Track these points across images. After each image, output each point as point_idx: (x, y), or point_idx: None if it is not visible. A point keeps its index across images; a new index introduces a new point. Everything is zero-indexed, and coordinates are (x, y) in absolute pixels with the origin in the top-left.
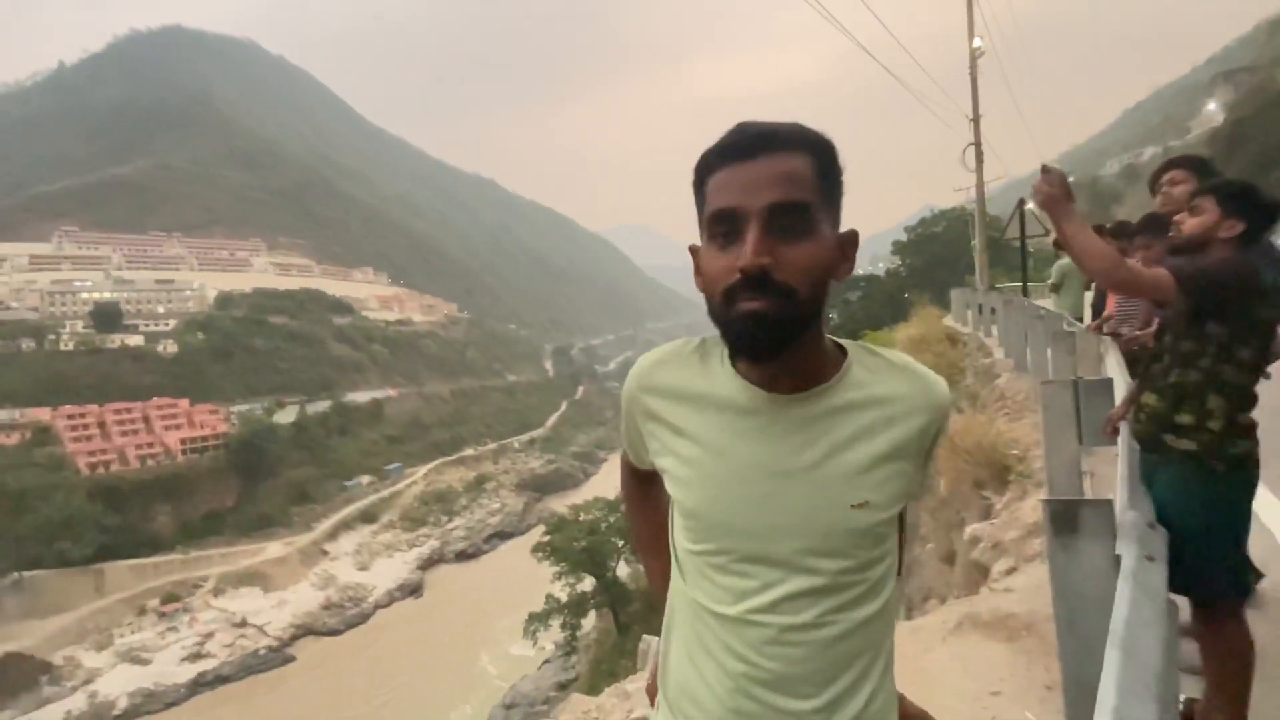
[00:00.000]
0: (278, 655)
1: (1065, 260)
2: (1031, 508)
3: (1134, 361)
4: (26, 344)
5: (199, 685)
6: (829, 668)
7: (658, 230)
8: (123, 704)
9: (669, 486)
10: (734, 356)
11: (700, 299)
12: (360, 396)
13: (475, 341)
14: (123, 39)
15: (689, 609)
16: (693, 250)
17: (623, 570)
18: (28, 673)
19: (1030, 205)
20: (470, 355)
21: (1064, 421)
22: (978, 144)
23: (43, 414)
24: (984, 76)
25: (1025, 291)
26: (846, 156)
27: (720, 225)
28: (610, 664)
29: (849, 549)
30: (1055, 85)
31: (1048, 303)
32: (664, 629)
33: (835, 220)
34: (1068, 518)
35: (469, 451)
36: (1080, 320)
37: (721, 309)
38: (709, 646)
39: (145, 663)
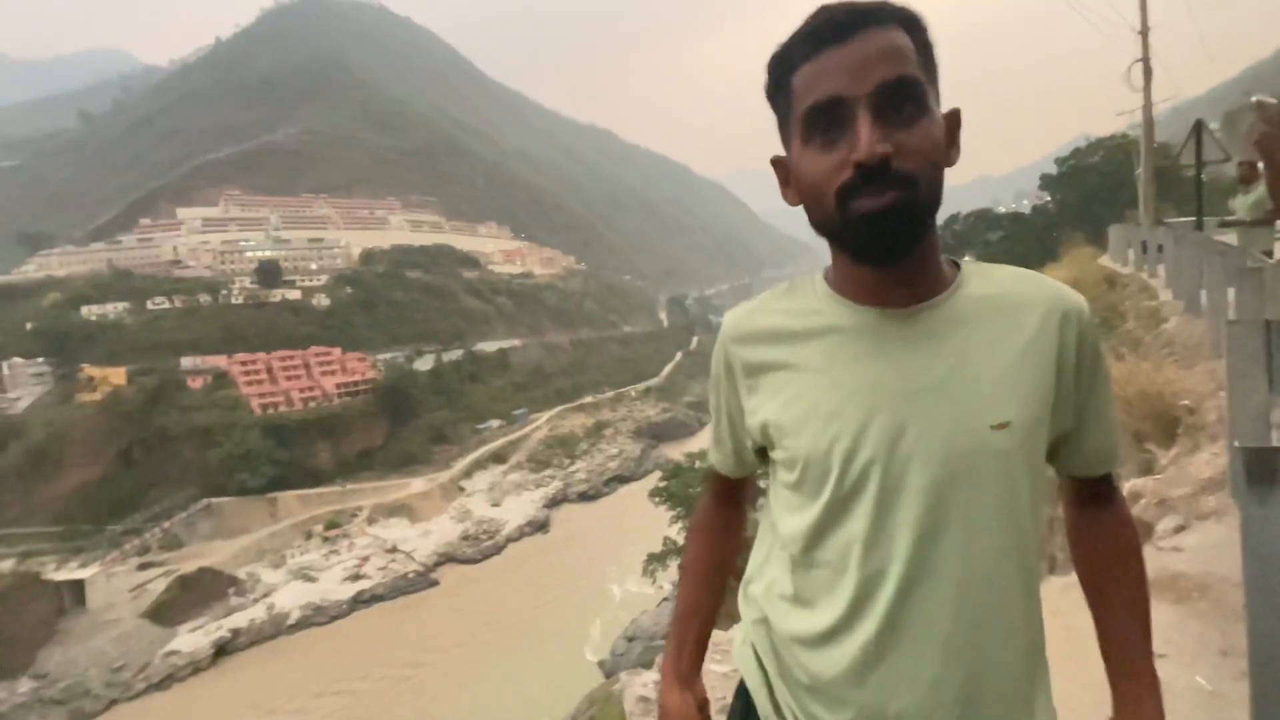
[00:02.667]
0: (423, 579)
1: (1257, 194)
2: (1205, 462)
3: None
4: (204, 298)
5: (358, 602)
6: (973, 621)
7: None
8: (295, 615)
9: (782, 440)
10: (860, 261)
11: (820, 242)
12: (489, 346)
13: (592, 293)
14: (269, 12)
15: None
16: (776, 162)
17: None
18: (219, 585)
19: (1216, 130)
20: (588, 306)
21: (1251, 366)
22: (1146, 60)
23: (220, 361)
24: None
25: (1200, 226)
26: (987, 83)
27: (821, 119)
28: (728, 606)
29: (994, 478)
30: None
31: (1229, 237)
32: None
33: (938, 99)
34: (1265, 467)
35: (588, 399)
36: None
37: (837, 213)
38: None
39: (313, 580)
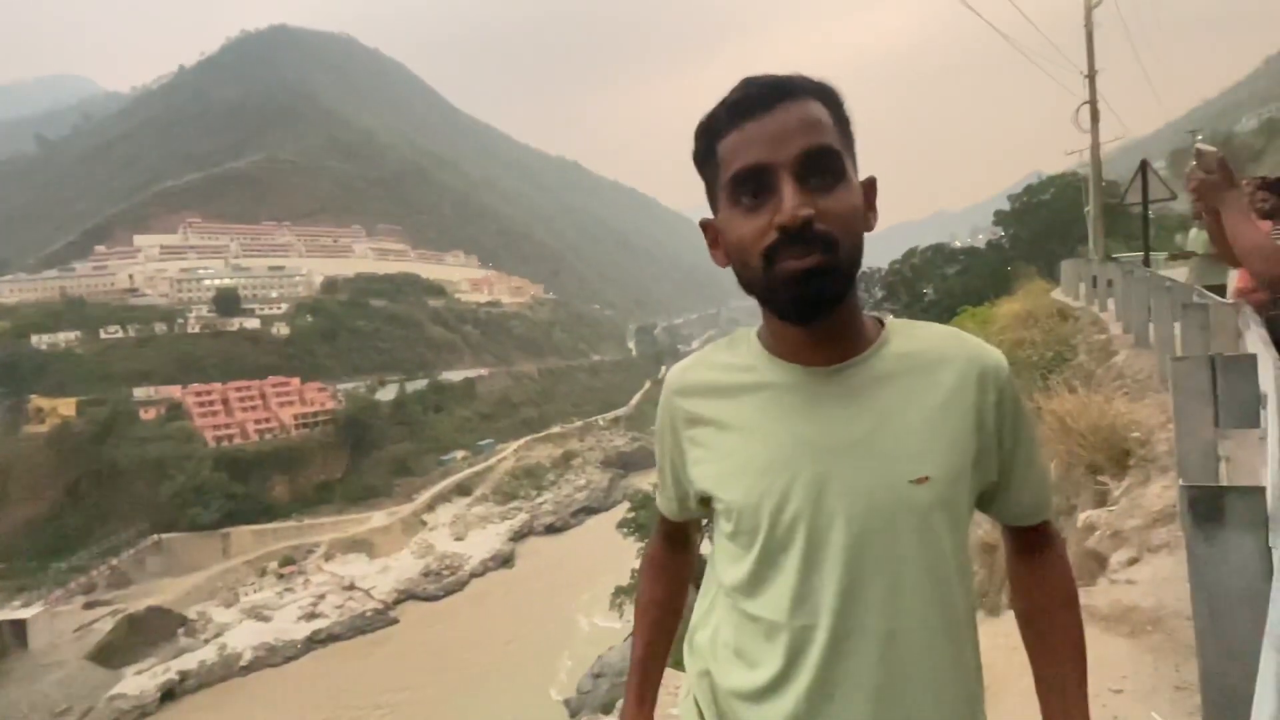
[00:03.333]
0: (383, 617)
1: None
2: (1156, 494)
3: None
4: (159, 327)
5: (313, 642)
6: (902, 675)
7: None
8: (248, 656)
9: (717, 493)
10: (785, 319)
11: None
12: (454, 375)
13: (561, 322)
14: (234, 41)
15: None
16: (705, 225)
17: (705, 548)
18: (168, 625)
19: (1167, 169)
20: (556, 336)
21: (1198, 402)
22: (1093, 102)
23: (174, 391)
24: (1100, 28)
25: (1147, 261)
26: (943, 124)
27: (746, 185)
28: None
29: (915, 532)
30: (1182, 34)
31: (1178, 272)
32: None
33: (855, 169)
34: (1210, 506)
35: (556, 429)
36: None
37: (762, 273)
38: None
39: (267, 619)
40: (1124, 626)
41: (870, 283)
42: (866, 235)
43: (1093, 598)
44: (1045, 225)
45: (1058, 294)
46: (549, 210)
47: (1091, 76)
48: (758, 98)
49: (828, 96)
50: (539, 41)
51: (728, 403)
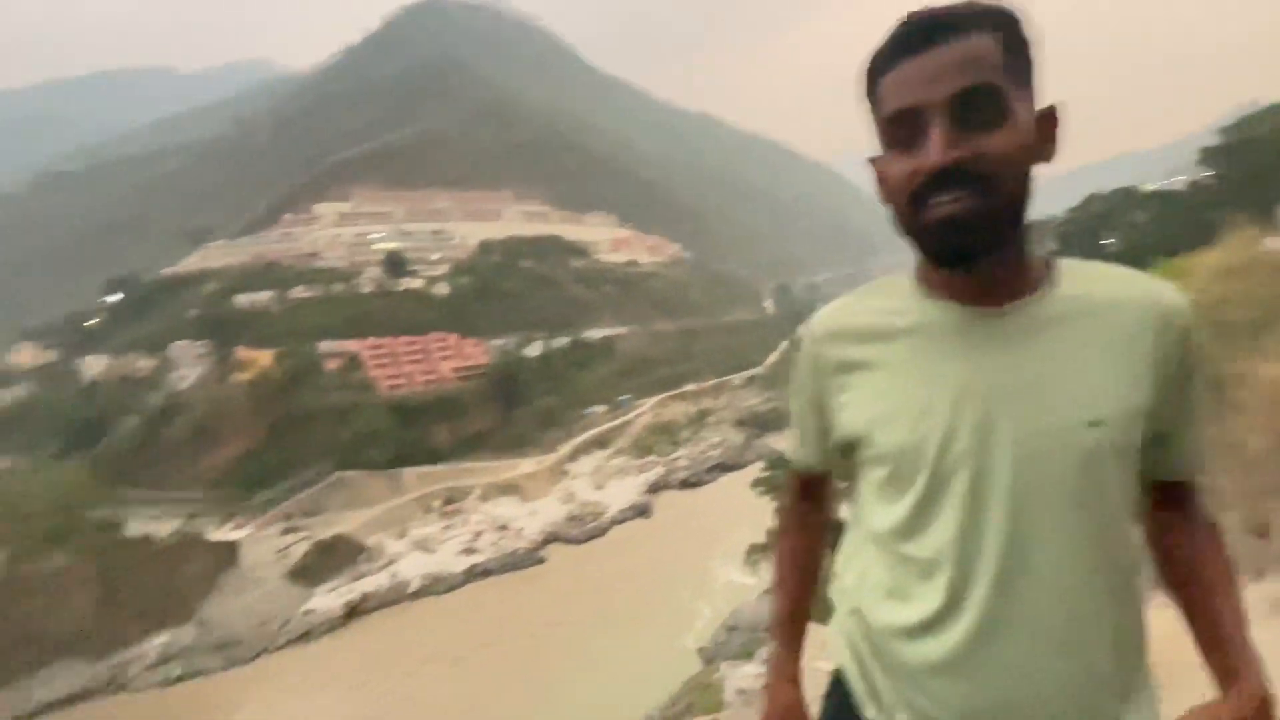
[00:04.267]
0: (531, 556)
1: None
2: None
3: None
4: (338, 287)
5: (471, 575)
6: (1068, 617)
7: None
8: (415, 583)
9: (872, 437)
10: (937, 264)
11: None
12: (595, 334)
13: (697, 281)
14: (392, 17)
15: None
16: (872, 161)
17: (843, 512)
18: (350, 552)
19: None
20: (693, 295)
21: None
22: None
23: (352, 345)
24: None
25: None
26: (1139, 48)
27: (900, 127)
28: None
29: (1085, 476)
30: None
31: None
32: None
33: (1030, 99)
34: None
35: (690, 387)
36: None
37: (911, 216)
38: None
39: (431, 552)
40: None
41: (1042, 233)
42: (1044, 178)
43: None
44: (1261, 164)
45: (1273, 244)
46: (687, 168)
47: None
48: (916, 35)
49: (1002, 22)
50: None
51: (881, 346)
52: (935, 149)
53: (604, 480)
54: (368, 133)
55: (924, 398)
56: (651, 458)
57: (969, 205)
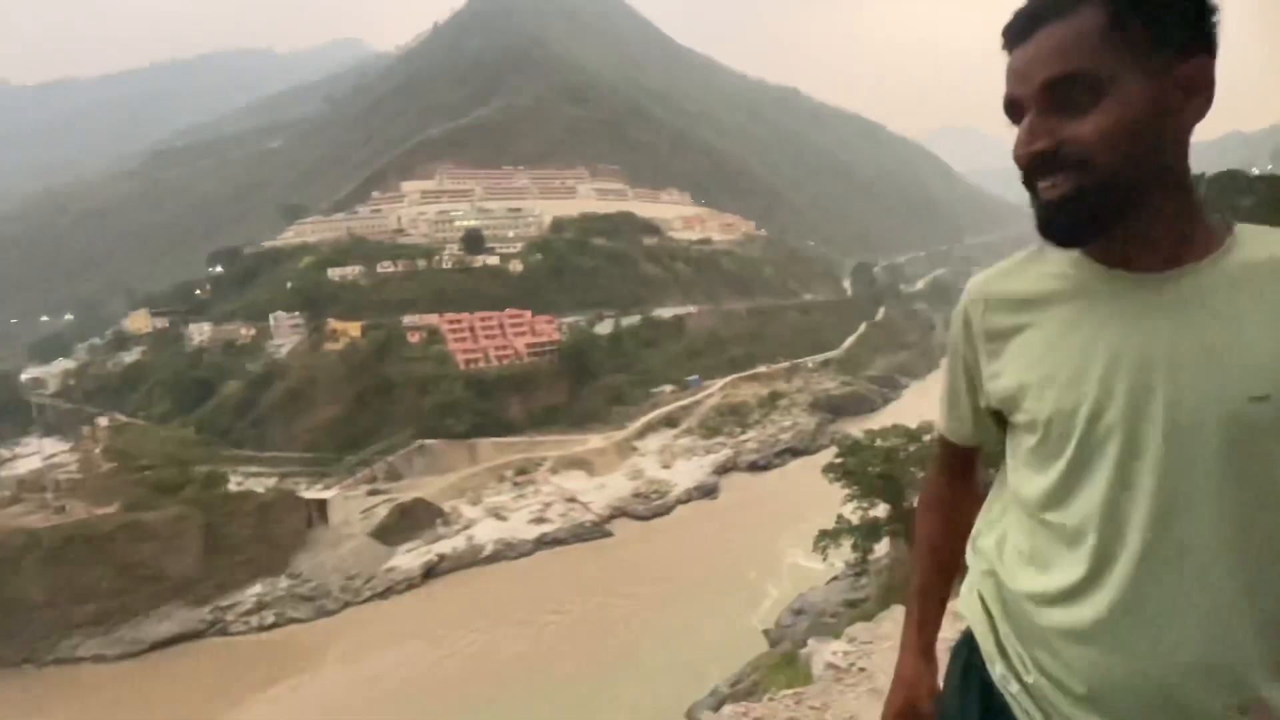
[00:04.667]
0: (598, 529)
1: None
2: None
3: None
4: (421, 263)
5: (541, 543)
6: (1216, 597)
7: (983, 131)
8: (489, 548)
9: (1023, 404)
10: (1052, 243)
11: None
12: (665, 312)
13: (772, 259)
14: None
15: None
16: None
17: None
18: (429, 515)
19: None
20: (767, 273)
21: None
22: None
23: (432, 319)
24: None
25: None
26: (1243, 15)
27: (1013, 115)
28: (903, 591)
29: (1247, 453)
30: None
31: None
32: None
33: (1157, 60)
34: None
35: (762, 369)
36: None
37: (1031, 196)
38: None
39: (504, 519)
40: None
41: None
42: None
43: None
44: None
45: None
46: (766, 142)
47: None
48: (1016, 26)
49: None
50: None
51: (1037, 312)
52: (1019, 142)
53: (671, 459)
54: (452, 111)
55: (1078, 364)
56: (719, 439)
57: (1064, 190)
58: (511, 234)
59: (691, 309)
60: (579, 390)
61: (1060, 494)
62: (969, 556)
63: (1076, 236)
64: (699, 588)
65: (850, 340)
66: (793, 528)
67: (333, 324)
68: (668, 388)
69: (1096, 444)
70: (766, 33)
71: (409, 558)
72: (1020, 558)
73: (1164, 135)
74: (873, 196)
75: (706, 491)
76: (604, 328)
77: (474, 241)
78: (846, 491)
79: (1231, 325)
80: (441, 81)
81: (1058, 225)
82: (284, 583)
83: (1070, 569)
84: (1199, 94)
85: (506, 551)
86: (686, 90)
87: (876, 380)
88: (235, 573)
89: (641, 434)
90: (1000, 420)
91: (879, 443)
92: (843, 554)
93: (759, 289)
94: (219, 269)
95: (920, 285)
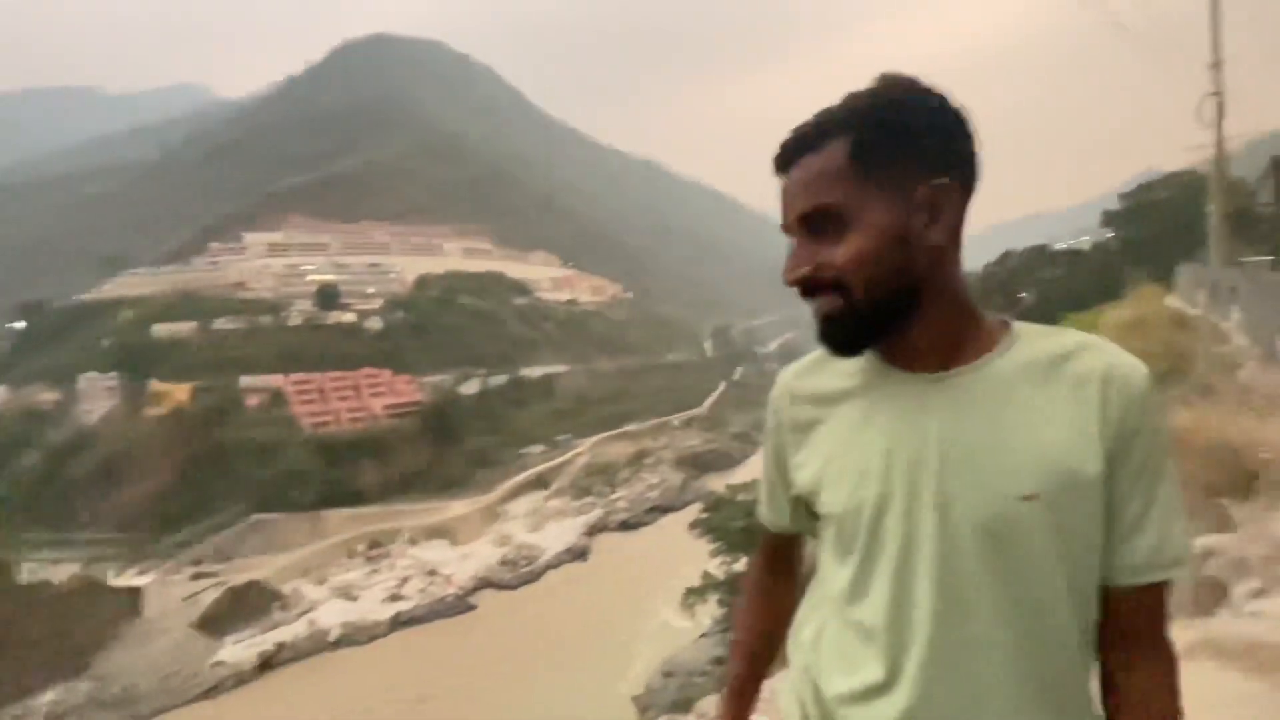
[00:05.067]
0: (461, 603)
1: None
2: None
3: None
4: (265, 320)
5: (396, 623)
6: (1004, 697)
7: None
8: (336, 632)
9: (819, 499)
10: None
11: None
12: (534, 372)
13: (638, 322)
14: (337, 50)
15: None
16: None
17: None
18: (264, 599)
19: None
20: (633, 335)
21: None
22: (1218, 94)
23: (277, 380)
24: (1229, 12)
25: (1278, 266)
26: (1043, 119)
27: (790, 236)
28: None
29: (1018, 552)
30: None
31: None
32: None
33: (898, 187)
34: None
35: (630, 427)
36: None
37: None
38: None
39: (354, 599)
40: (1249, 662)
41: None
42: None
43: (1212, 630)
44: (1160, 226)
45: (1173, 301)
46: (629, 211)
47: (1217, 65)
48: (780, 157)
49: (855, 125)
50: (622, 42)
51: (834, 407)
52: (786, 268)
53: (540, 522)
54: (304, 164)
55: (863, 462)
56: (590, 499)
57: (831, 308)
58: (371, 290)
59: (561, 368)
60: (442, 453)
61: (857, 590)
62: (790, 648)
63: (843, 348)
64: (569, 657)
65: (712, 398)
66: (663, 586)
67: (156, 386)
68: (537, 448)
69: (881, 542)
70: (628, 106)
71: (240, 649)
72: (833, 652)
73: (913, 256)
74: (728, 263)
75: (577, 554)
76: (470, 387)
77: (328, 297)
78: (712, 547)
79: (999, 425)
80: (293, 133)
81: (827, 339)
82: (85, 686)
83: (870, 669)
84: (944, 212)
85: (356, 635)
86: (551, 157)
87: (737, 436)
88: (26, 677)
89: (509, 497)
90: (812, 512)
91: (740, 497)
92: (710, 610)
93: (626, 350)
94: (21, 324)
95: (773, 346)
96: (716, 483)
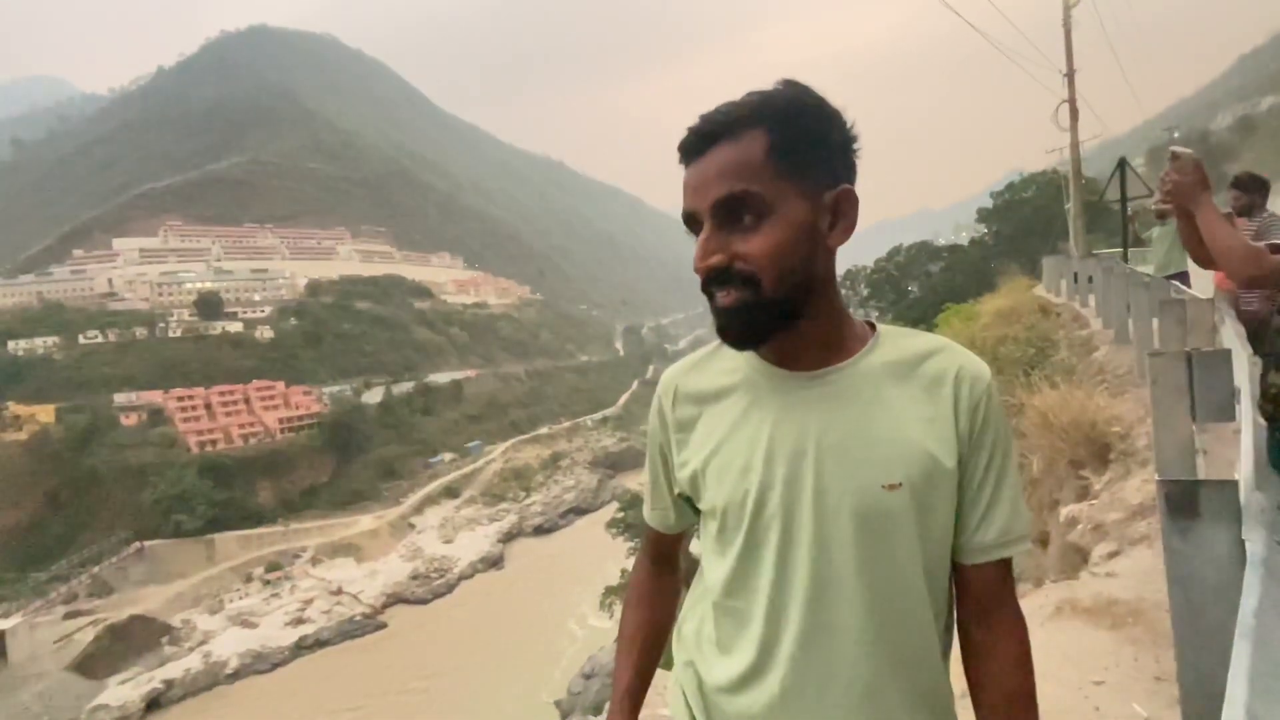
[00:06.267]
0: (371, 622)
1: (1168, 226)
2: (1135, 488)
3: (1255, 336)
4: (140, 332)
5: (301, 648)
6: (871, 676)
7: None
8: (234, 664)
9: (701, 494)
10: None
11: None
12: (441, 377)
13: (548, 323)
14: (214, 41)
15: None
16: None
17: (695, 547)
18: (151, 634)
19: (1148, 175)
20: (543, 336)
21: (1175, 396)
22: (1072, 101)
23: (156, 396)
24: (1079, 26)
25: (1126, 258)
26: (926, 121)
27: (691, 226)
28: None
29: (885, 537)
30: (1160, 32)
31: (1150, 268)
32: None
33: (809, 187)
34: (1185, 500)
35: (544, 430)
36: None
37: (708, 301)
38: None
39: (253, 626)
40: (1105, 619)
41: (855, 281)
42: (856, 237)
43: (1074, 591)
44: (1027, 222)
45: (1040, 290)
46: (534, 211)
47: (1070, 75)
48: (692, 143)
49: (774, 120)
50: (523, 40)
51: (715, 405)
52: (697, 255)
53: (452, 533)
54: (180, 163)
55: (745, 456)
56: (504, 505)
57: (737, 299)
58: (259, 297)
59: (469, 373)
60: (345, 467)
61: (737, 580)
62: (674, 644)
63: (747, 341)
64: (487, 670)
65: (625, 397)
66: (581, 589)
67: (14, 409)
68: (447, 456)
69: (762, 531)
70: (531, 105)
71: (125, 689)
72: (711, 645)
73: (816, 253)
74: (637, 263)
75: (492, 562)
76: (373, 396)
77: (210, 306)
78: (629, 545)
79: (869, 420)
80: (167, 130)
81: (730, 331)
82: None
83: (745, 654)
84: (844, 218)
85: (257, 664)
86: (453, 155)
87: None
88: None
89: (419, 509)
90: (695, 507)
91: None
92: None
93: (536, 351)
94: None
95: (683, 344)
96: (632, 481)
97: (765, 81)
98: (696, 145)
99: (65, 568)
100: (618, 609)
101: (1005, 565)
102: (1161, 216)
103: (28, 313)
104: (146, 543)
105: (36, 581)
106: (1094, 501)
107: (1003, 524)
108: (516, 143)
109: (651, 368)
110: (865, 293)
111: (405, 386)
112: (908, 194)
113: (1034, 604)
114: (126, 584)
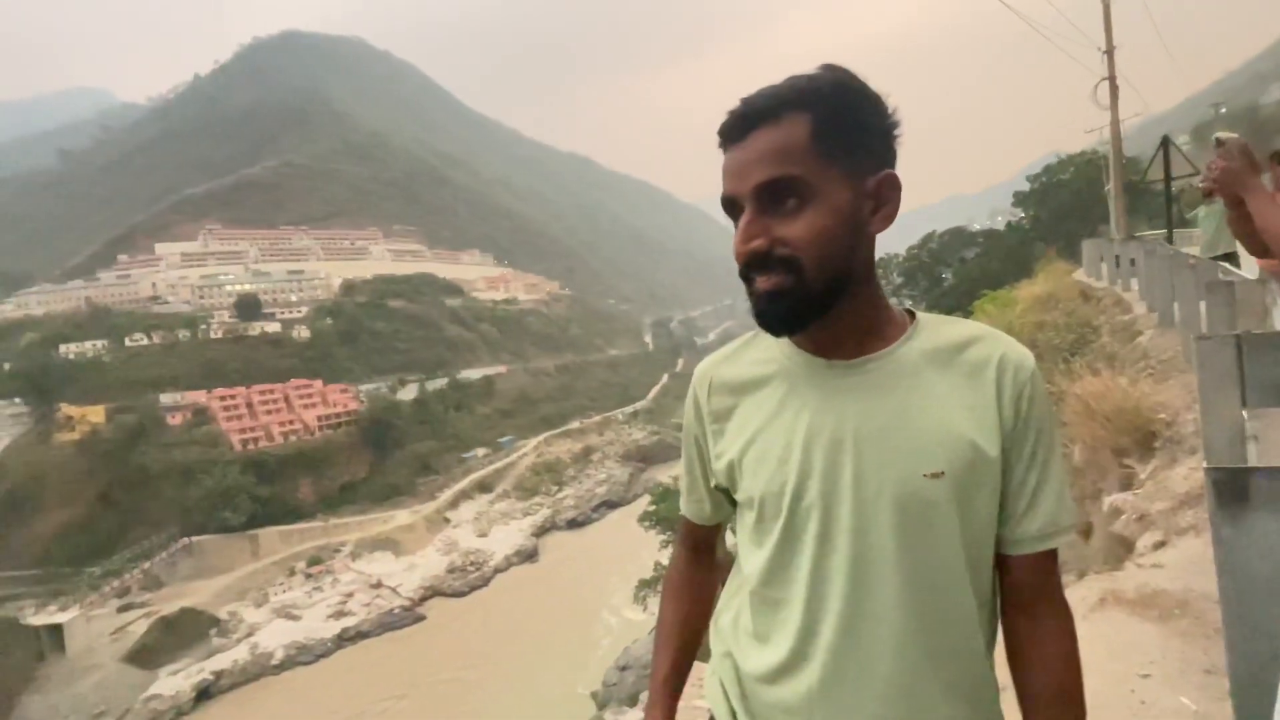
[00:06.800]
0: (410, 614)
1: (1215, 204)
2: (1183, 476)
3: None
4: (183, 334)
5: (343, 640)
6: (912, 665)
7: None
8: (279, 655)
9: (739, 483)
10: (767, 332)
11: None
12: (473, 374)
13: (577, 318)
14: (247, 48)
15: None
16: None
17: (729, 540)
18: (200, 625)
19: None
20: (573, 331)
21: (1224, 381)
22: (1112, 79)
23: (199, 396)
24: (1118, 2)
25: (1171, 239)
26: (959, 106)
27: (730, 210)
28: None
29: (927, 526)
30: (1203, 3)
31: (1197, 250)
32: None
33: (853, 172)
34: (1236, 487)
35: (575, 424)
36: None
37: (746, 288)
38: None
39: (296, 618)
40: (1152, 610)
41: (888, 269)
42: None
43: (1119, 582)
44: (1065, 205)
45: (1079, 275)
46: (562, 207)
47: (1110, 52)
48: (732, 127)
49: (817, 104)
50: (549, 37)
51: (752, 395)
52: (738, 239)
53: (487, 526)
54: (217, 168)
55: (783, 446)
56: (537, 499)
57: (778, 284)
58: (295, 298)
59: (500, 369)
60: (381, 463)
61: (775, 569)
62: (711, 636)
63: (787, 327)
64: (523, 661)
65: (655, 390)
66: (614, 581)
67: (67, 410)
68: (480, 451)
69: (801, 520)
70: (557, 101)
71: (176, 680)
72: (748, 635)
73: (858, 239)
74: (664, 257)
75: (527, 556)
76: (407, 393)
77: (249, 307)
78: (661, 538)
79: (909, 408)
80: (204, 136)
81: (770, 317)
82: None
83: (784, 644)
84: (887, 204)
85: (301, 655)
86: (481, 153)
87: (680, 427)
88: None
89: (454, 503)
90: (732, 499)
91: None
92: None
93: (566, 346)
94: None
95: (712, 337)
96: (663, 474)
97: (800, 69)
98: (738, 129)
99: (118, 563)
100: (651, 601)
101: (1050, 556)
102: (1209, 195)
103: (77, 318)
104: (194, 538)
105: (91, 576)
106: (1139, 491)
107: (1048, 514)
108: (544, 139)
109: (681, 361)
110: (898, 281)
111: (438, 383)
112: (940, 181)
113: (1077, 595)
114: (176, 578)
